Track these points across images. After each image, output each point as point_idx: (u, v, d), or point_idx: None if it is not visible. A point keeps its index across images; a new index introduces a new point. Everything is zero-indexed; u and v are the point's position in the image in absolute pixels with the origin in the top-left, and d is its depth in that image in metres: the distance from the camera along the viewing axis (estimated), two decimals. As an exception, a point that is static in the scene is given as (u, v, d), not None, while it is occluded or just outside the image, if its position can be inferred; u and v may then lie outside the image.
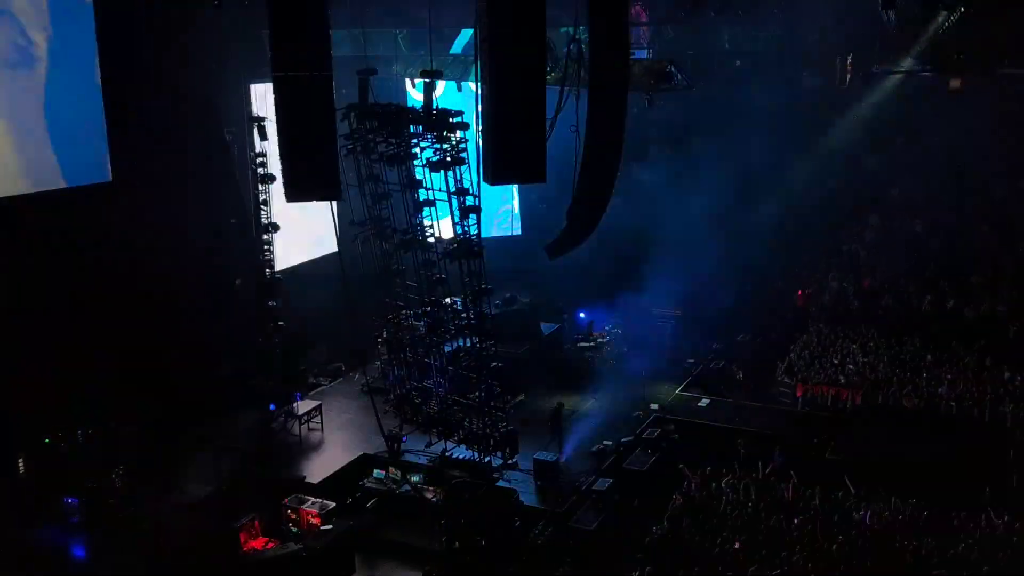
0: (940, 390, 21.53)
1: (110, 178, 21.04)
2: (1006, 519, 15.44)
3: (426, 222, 18.49)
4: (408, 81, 27.21)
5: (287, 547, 16.26)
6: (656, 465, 19.48)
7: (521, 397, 23.03)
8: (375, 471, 19.86)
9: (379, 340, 21.92)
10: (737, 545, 14.90)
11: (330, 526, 16.90)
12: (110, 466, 19.46)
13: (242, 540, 16.87)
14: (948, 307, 25.71)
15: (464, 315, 18.45)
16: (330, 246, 20.47)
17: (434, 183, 17.93)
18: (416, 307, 19.93)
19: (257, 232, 21.85)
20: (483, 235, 17.70)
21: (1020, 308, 24.76)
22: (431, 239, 18.55)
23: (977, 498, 16.66)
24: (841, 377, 22.60)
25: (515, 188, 30.18)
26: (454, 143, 17.05)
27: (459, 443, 19.47)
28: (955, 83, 30.81)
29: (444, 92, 22.67)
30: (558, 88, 12.86)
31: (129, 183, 21.50)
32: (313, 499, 17.77)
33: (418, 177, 18.35)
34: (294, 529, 17.26)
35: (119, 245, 21.07)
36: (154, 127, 21.91)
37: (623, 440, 20.52)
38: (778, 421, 21.24)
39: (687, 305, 27.70)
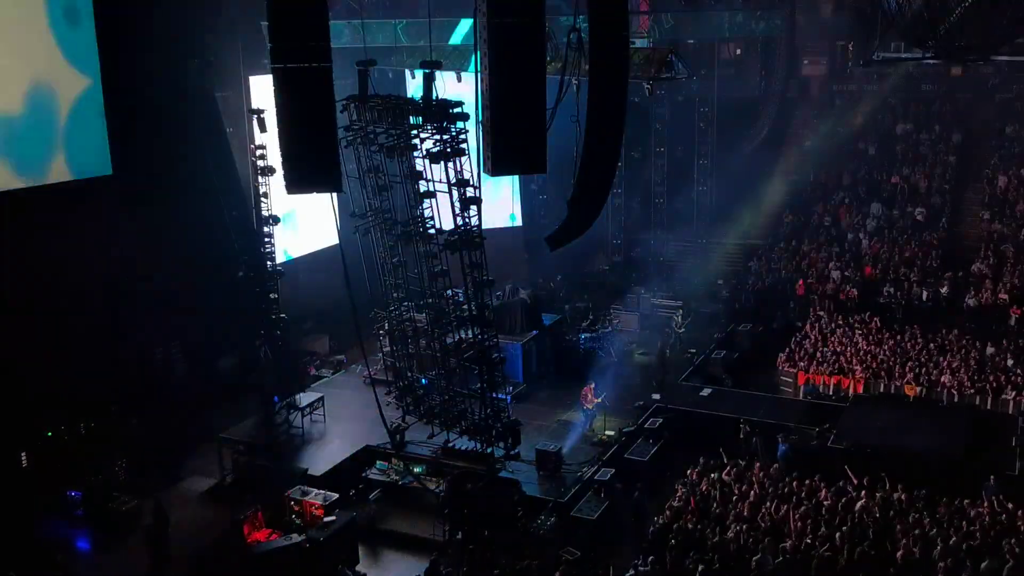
0: (942, 378, 21.54)
1: (111, 171, 21.05)
2: (1010, 507, 15.44)
3: (427, 213, 18.45)
4: (408, 72, 27.15)
5: (290, 538, 16.28)
6: (658, 455, 19.50)
7: (523, 387, 23.05)
8: (378, 462, 19.92)
9: (381, 332, 21.92)
10: (739, 533, 14.90)
11: (333, 517, 16.93)
12: (113, 459, 19.53)
13: (245, 532, 16.91)
14: (950, 295, 25.68)
15: (465, 306, 18.42)
16: (331, 238, 20.45)
17: (434, 174, 17.85)
18: (417, 299, 19.93)
19: (258, 224, 21.83)
20: (483, 226, 17.65)
21: (1022, 295, 24.74)
22: (432, 230, 18.51)
23: (980, 487, 16.68)
24: (843, 366, 22.61)
25: (516, 179, 30.11)
26: (454, 134, 16.98)
27: (461, 434, 19.49)
28: (956, 70, 30.76)
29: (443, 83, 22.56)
30: (558, 78, 12.79)
31: (129, 176, 21.50)
32: (316, 491, 17.82)
33: (418, 168, 18.30)
34: (297, 521, 17.30)
35: (120, 238, 21.09)
36: (154, 120, 21.87)
37: (625, 430, 20.53)
38: (780, 410, 21.23)
39: (689, 295, 27.66)
